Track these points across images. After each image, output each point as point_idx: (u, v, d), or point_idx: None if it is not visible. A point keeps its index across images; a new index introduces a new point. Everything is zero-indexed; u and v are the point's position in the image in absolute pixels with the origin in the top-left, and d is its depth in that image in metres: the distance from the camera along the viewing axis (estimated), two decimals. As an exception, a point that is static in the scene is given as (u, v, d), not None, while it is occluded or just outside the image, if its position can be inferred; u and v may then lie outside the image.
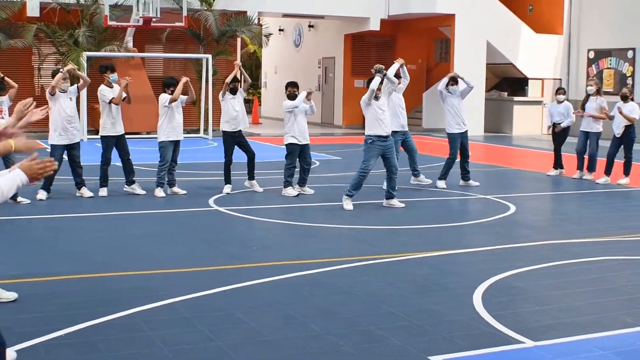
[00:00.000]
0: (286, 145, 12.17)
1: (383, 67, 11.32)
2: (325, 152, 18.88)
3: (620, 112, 13.83)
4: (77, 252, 8.20)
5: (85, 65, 20.09)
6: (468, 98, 13.99)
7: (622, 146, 14.07)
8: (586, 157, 14.58)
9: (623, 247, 8.89)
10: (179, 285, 6.84)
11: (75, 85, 11.72)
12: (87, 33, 21.41)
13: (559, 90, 15.33)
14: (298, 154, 12.15)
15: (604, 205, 12.22)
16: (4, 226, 9.49)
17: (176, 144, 12.03)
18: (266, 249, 8.57)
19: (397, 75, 12.28)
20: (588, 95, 14.63)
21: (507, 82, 27.21)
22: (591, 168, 14.57)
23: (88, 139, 19.36)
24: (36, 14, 21.49)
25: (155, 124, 22.02)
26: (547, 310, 6.34)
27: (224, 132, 12.27)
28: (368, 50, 28.65)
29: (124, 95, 11.81)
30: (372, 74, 11.20)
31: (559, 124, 14.97)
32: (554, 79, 26.56)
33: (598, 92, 14.59)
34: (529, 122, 26.30)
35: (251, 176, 12.50)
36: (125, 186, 12.04)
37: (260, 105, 32.92)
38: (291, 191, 12.11)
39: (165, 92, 11.99)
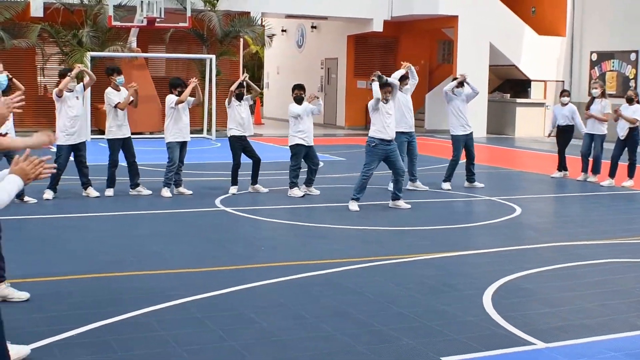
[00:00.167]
0: (291, 146, 12.20)
1: (379, 72, 11.29)
2: (328, 152, 18.89)
3: (621, 115, 13.86)
4: (85, 251, 8.23)
5: (89, 65, 20.09)
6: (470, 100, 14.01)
7: (626, 149, 14.10)
8: (591, 159, 14.59)
9: (629, 249, 8.91)
10: (189, 285, 6.87)
11: (82, 83, 11.74)
12: (90, 33, 21.43)
13: (564, 93, 15.36)
14: (304, 155, 12.17)
15: (608, 207, 12.25)
16: (12, 225, 9.48)
17: (183, 144, 12.04)
18: (274, 250, 8.59)
19: (405, 77, 12.28)
20: (593, 98, 14.64)
21: (509, 84, 27.25)
22: (595, 170, 14.59)
23: (92, 138, 19.38)
24: (40, 14, 21.52)
25: (157, 124, 22.31)
26: (556, 312, 6.36)
27: (231, 137, 12.30)
28: (371, 51, 28.70)
29: (131, 99, 11.81)
30: (386, 94, 11.12)
31: (564, 126, 15.01)
32: (557, 81, 26.60)
33: (603, 94, 14.61)
34: (532, 124, 26.33)
35: (254, 181, 12.51)
36: (130, 190, 12.03)
37: (262, 106, 32.95)
38: (297, 192, 12.14)
39: (172, 92, 12.00)
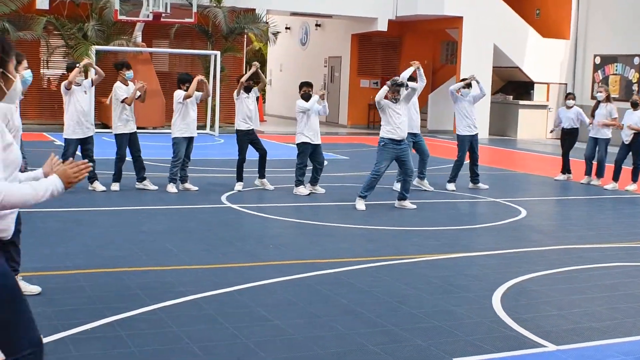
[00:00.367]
0: (298, 144, 12.21)
1: (398, 79, 11.31)
2: (331, 151, 18.89)
3: (630, 127, 13.91)
4: (94, 246, 8.24)
5: (94, 59, 20.10)
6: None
7: (630, 152, 14.13)
8: (595, 162, 14.63)
9: (636, 253, 8.95)
10: (200, 282, 6.89)
11: (90, 78, 11.75)
12: (96, 27, 21.44)
13: (569, 96, 15.38)
14: (310, 154, 12.19)
15: (613, 211, 12.29)
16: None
17: (190, 140, 12.05)
18: (283, 248, 8.61)
19: (413, 78, 12.30)
20: (598, 102, 14.68)
21: (512, 86, 27.28)
22: (599, 174, 14.62)
23: (95, 132, 19.35)
24: (45, 6, 21.52)
25: (161, 119, 22.30)
26: (566, 314, 6.39)
27: (238, 130, 12.32)
28: (375, 50, 28.74)
29: (138, 94, 11.83)
30: (394, 94, 11.12)
31: (568, 129, 15.04)
32: (560, 83, 26.65)
33: (608, 98, 14.63)
34: (534, 126, 26.38)
35: (262, 174, 12.55)
36: (137, 183, 12.07)
37: (264, 103, 32.96)
38: (303, 190, 12.16)
39: (180, 88, 12.01)
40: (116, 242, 8.45)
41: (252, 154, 12.48)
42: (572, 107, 15.10)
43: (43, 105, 22.25)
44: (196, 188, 12.16)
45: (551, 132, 15.84)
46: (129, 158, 12.01)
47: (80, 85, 11.40)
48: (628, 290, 7.27)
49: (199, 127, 22.19)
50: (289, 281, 7.09)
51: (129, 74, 11.90)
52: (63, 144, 11.73)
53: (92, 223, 9.53)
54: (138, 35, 22.30)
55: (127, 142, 11.86)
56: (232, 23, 23.50)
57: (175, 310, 6.02)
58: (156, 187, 12.03)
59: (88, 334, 5.42)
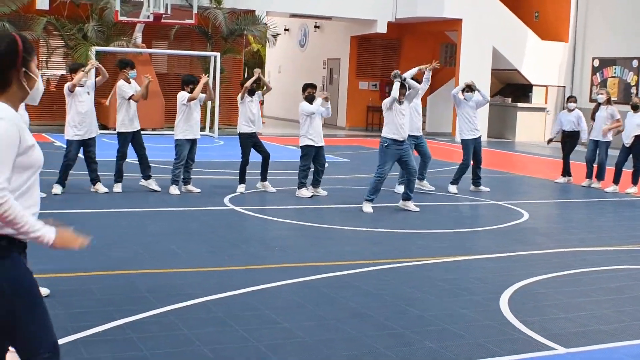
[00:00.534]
0: (302, 146, 12.23)
1: (399, 72, 11.37)
2: (331, 153, 18.87)
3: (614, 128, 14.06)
4: (100, 248, 8.23)
5: (94, 59, 20.08)
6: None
7: (630, 155, 14.17)
8: (595, 165, 14.67)
9: (639, 256, 8.98)
10: (208, 284, 6.90)
11: (93, 80, 11.75)
12: (96, 27, 21.43)
13: (570, 99, 15.41)
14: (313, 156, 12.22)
15: (614, 214, 12.32)
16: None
17: (193, 142, 12.05)
18: (288, 250, 8.63)
19: (419, 80, 12.35)
20: (599, 104, 14.72)
21: (510, 88, 27.32)
22: (600, 176, 14.67)
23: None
24: (45, 6, 21.51)
25: (160, 120, 22.30)
26: (573, 317, 6.41)
27: (241, 133, 12.33)
28: (374, 52, 28.78)
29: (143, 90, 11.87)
30: (390, 80, 11.20)
31: (569, 132, 15.08)
32: (558, 86, 26.70)
33: (608, 101, 14.68)
34: (532, 128, 26.43)
35: (264, 177, 12.56)
36: (142, 180, 12.07)
37: (263, 104, 32.93)
38: (305, 192, 12.17)
39: (184, 89, 12.03)
40: (121, 244, 8.46)
41: (254, 156, 12.49)
42: (573, 110, 15.13)
43: (42, 106, 22.17)
44: (198, 190, 12.17)
45: (548, 142, 15.81)
46: (130, 160, 12.00)
47: (83, 86, 11.39)
48: (634, 293, 7.30)
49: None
50: (296, 284, 7.10)
51: (132, 73, 11.92)
52: (64, 145, 11.71)
53: (96, 225, 9.52)
54: (138, 36, 22.30)
55: (130, 140, 11.86)
56: (231, 24, 23.50)
57: (184, 313, 6.03)
58: (159, 189, 12.03)
59: (99, 336, 5.43)
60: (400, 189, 12.34)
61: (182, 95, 11.96)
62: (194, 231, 9.40)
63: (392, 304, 6.57)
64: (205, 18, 23.15)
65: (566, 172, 15.30)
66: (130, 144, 11.95)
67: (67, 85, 11.35)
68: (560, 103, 26.57)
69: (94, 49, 20.74)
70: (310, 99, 12.22)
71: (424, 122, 26.19)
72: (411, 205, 11.33)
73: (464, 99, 13.42)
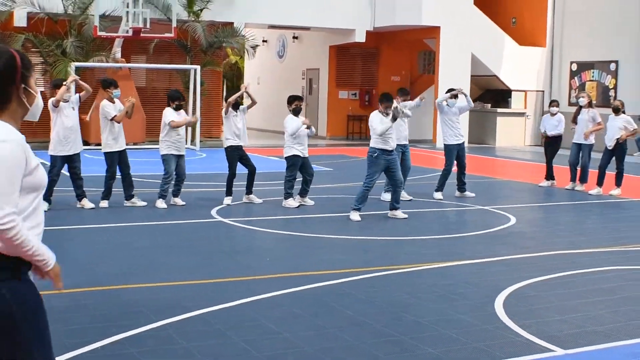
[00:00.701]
0: (287, 157, 12.23)
1: (397, 106, 11.36)
2: (314, 163, 18.73)
3: (629, 136, 14.16)
4: (90, 263, 8.20)
5: (74, 74, 19.98)
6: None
7: (613, 158, 14.28)
8: (579, 168, 14.78)
9: (628, 257, 9.06)
10: (203, 297, 6.87)
11: (78, 94, 11.70)
12: (75, 43, 21.34)
13: (553, 103, 15.54)
14: (299, 166, 12.22)
15: (599, 216, 12.42)
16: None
17: (180, 157, 11.98)
18: (280, 260, 8.63)
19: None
20: (580, 108, 14.85)
21: (490, 94, 27.49)
22: (583, 179, 14.78)
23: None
24: (23, 24, 21.42)
25: (142, 135, 22.22)
26: (568, 319, 6.45)
27: (227, 147, 12.33)
28: (353, 61, 28.85)
29: (126, 111, 11.79)
30: (386, 109, 11.20)
31: (552, 135, 15.19)
32: (537, 90, 26.91)
33: (590, 104, 14.82)
34: (512, 133, 26.62)
35: (249, 191, 12.53)
36: (125, 201, 11.98)
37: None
38: (292, 202, 12.17)
39: (169, 105, 12.00)
40: (112, 259, 8.42)
41: (240, 168, 12.47)
42: (556, 114, 15.25)
43: (23, 122, 22.05)
44: (183, 203, 12.12)
45: (546, 138, 15.69)
46: (118, 176, 11.95)
47: (67, 101, 11.33)
48: (626, 293, 7.36)
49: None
50: (291, 293, 7.10)
51: (116, 92, 11.84)
52: (48, 162, 11.62)
53: (84, 241, 9.48)
54: (117, 51, 22.23)
55: (117, 160, 11.79)
56: (210, 37, 23.49)
57: (182, 326, 6.00)
58: (145, 203, 11.97)
59: (99, 352, 5.39)
60: (387, 196, 12.40)
61: (167, 114, 11.88)
62: (183, 244, 9.36)
63: (388, 311, 6.58)
64: (184, 31, 23.11)
65: (550, 175, 15.40)
66: None
67: (51, 101, 11.26)
68: (539, 108, 26.77)
69: (73, 64, 20.64)
70: (297, 112, 12.23)
71: (404, 129, 26.39)
72: (399, 213, 11.36)
73: (447, 105, 13.48)
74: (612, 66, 24.52)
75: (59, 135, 11.32)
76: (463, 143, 13.65)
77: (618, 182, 14.33)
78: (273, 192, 13.37)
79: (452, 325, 6.18)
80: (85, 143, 19.95)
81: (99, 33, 20.45)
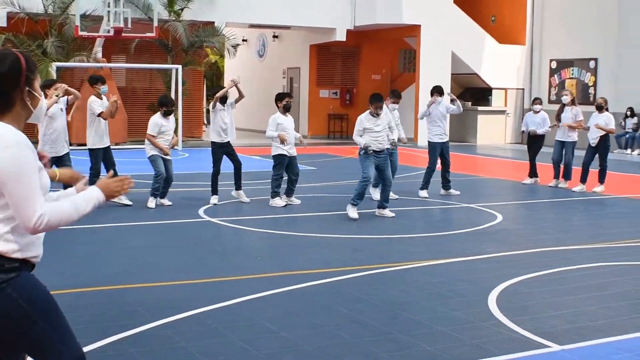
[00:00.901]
0: (274, 156, 12.26)
1: (370, 146, 11.28)
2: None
3: (597, 126, 14.19)
4: (85, 264, 8.18)
5: (54, 75, 19.90)
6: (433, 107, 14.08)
7: (597, 155, 14.41)
8: (562, 165, 14.91)
9: (616, 253, 9.16)
10: (197, 296, 6.88)
11: (66, 97, 11.64)
12: (55, 43, 21.22)
13: (536, 101, 15.66)
14: (285, 165, 12.25)
15: (584, 212, 12.53)
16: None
17: (166, 160, 11.95)
18: (271, 260, 8.65)
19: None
20: (563, 105, 14.97)
21: (470, 92, 27.64)
22: (567, 176, 14.91)
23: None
24: (3, 24, 21.29)
25: (124, 135, 22.13)
26: (561, 315, 6.52)
27: (213, 142, 12.33)
28: (333, 60, 28.92)
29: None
30: (377, 109, 11.25)
31: (535, 130, 15.30)
32: (517, 88, 27.08)
33: (573, 102, 14.95)
34: (493, 131, 26.78)
35: (238, 186, 12.55)
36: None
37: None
38: (279, 202, 12.19)
39: (159, 111, 12.00)
40: (106, 260, 8.40)
41: (225, 166, 12.48)
42: (539, 111, 15.36)
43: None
44: (170, 203, 12.11)
45: (535, 135, 15.67)
46: (102, 174, 11.91)
47: (57, 102, 11.26)
48: (616, 289, 7.45)
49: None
50: (286, 292, 7.12)
51: (104, 88, 11.83)
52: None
53: (75, 241, 9.43)
54: (98, 50, 22.13)
55: (102, 157, 11.77)
56: (191, 37, 23.44)
57: (180, 326, 6.01)
58: (131, 203, 11.95)
59: (99, 352, 5.38)
60: (375, 192, 12.47)
61: (153, 122, 11.85)
62: (174, 244, 9.36)
63: (384, 309, 6.62)
64: (165, 31, 23.06)
65: (533, 173, 15.52)
66: None
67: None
68: (519, 105, 26.95)
69: (54, 64, 20.54)
70: (287, 109, 12.29)
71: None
72: (387, 212, 11.42)
73: (434, 103, 13.56)
74: (592, 64, 24.73)
75: (46, 136, 11.25)
76: (447, 142, 13.74)
77: (601, 179, 14.46)
78: (258, 191, 13.38)
79: (447, 323, 6.23)
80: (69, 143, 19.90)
81: (80, 33, 20.36)
